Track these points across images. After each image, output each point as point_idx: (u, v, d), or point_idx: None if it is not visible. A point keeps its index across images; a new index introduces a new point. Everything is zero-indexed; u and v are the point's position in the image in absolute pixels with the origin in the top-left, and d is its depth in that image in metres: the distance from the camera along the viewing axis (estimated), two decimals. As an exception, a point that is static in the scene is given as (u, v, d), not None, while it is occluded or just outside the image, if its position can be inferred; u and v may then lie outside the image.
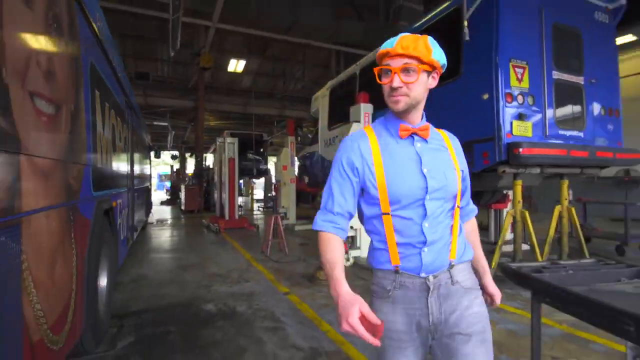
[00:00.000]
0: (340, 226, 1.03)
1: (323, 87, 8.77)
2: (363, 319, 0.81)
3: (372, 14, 11.87)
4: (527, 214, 3.90)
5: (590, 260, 1.83)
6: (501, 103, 3.49)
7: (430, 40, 0.98)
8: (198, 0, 9.91)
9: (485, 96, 3.67)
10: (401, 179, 0.99)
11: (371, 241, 1.09)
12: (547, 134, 3.70)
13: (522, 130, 3.56)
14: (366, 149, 1.03)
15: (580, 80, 3.99)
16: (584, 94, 4.00)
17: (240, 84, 17.44)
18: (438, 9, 4.53)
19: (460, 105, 4.02)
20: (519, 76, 3.55)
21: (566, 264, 1.76)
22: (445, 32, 4.23)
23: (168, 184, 27.41)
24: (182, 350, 2.54)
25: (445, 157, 1.05)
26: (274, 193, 9.15)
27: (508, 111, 3.54)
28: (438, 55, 0.97)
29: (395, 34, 1.02)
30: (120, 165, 3.85)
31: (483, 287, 1.15)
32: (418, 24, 5.01)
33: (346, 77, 7.35)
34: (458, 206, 1.07)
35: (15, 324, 1.19)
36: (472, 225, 1.22)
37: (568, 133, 3.85)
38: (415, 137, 1.03)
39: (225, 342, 2.64)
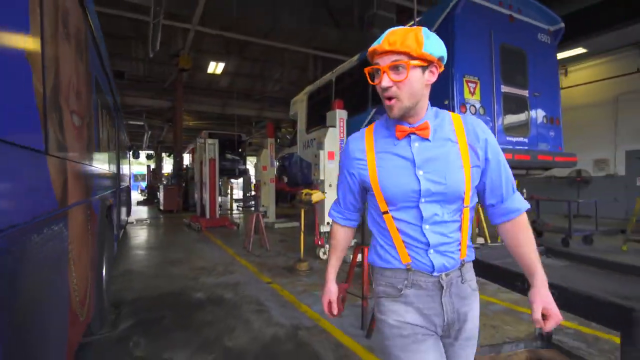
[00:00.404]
0: (347, 217, 1.18)
1: (301, 89, 9.18)
2: (330, 304, 1.22)
3: (348, 21, 12.36)
4: (480, 209, 4.46)
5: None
6: (456, 112, 4.02)
7: (423, 32, 0.90)
8: (178, 4, 10.05)
9: (446, 102, 4.19)
10: (393, 181, 0.98)
11: (375, 240, 1.08)
12: (497, 140, 4.26)
13: (474, 137, 4.12)
14: (360, 153, 1.04)
15: (525, 93, 4.60)
16: (529, 105, 4.62)
17: (218, 84, 17.54)
18: (407, 25, 5.05)
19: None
20: (472, 90, 4.10)
21: (492, 245, 2.27)
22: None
23: (143, 184, 26.92)
24: (179, 330, 2.88)
25: (450, 155, 0.96)
26: (253, 192, 9.48)
27: None
28: (432, 48, 0.90)
29: (370, 41, 1.00)
30: (112, 166, 4.12)
31: (532, 301, 0.97)
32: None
33: (323, 84, 7.79)
34: (467, 206, 0.99)
35: (65, 290, 1.54)
36: (514, 226, 1.03)
37: (515, 139, 4.46)
38: (413, 137, 0.98)
39: (216, 323, 3.00)
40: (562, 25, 4.87)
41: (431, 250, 0.97)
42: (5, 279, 0.88)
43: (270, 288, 3.96)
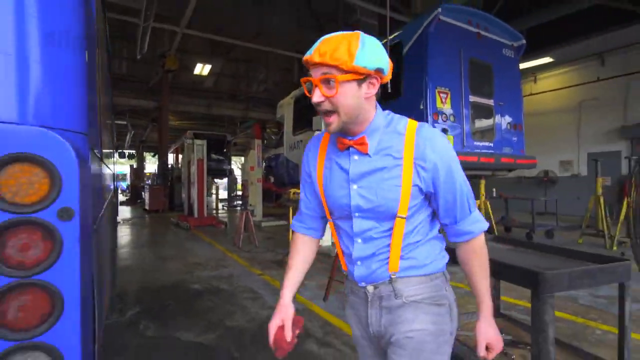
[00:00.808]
0: (308, 226, 1.09)
1: (285, 91, 9.54)
2: (280, 329, 0.97)
3: (333, 26, 12.81)
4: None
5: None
6: (429, 120, 4.51)
7: (360, 40, 0.80)
8: (167, 7, 10.21)
9: (421, 106, 4.65)
10: (332, 192, 0.97)
11: None
12: (465, 145, 4.78)
13: (445, 142, 4.65)
14: (313, 159, 1.03)
15: (491, 102, 5.14)
16: (494, 113, 5.16)
17: (202, 84, 17.66)
18: (384, 40, 5.50)
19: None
20: (443, 100, 4.59)
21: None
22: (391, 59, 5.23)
23: (123, 184, 26.49)
24: (182, 315, 3.21)
25: (387, 172, 0.89)
26: (239, 192, 9.75)
27: (435, 127, 4.60)
28: (366, 60, 0.80)
29: None
30: (113, 167, 4.40)
31: (477, 335, 0.96)
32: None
33: (309, 88, 8.16)
34: (401, 217, 0.90)
35: (111, 270, 1.88)
36: (467, 250, 0.97)
37: (481, 144, 4.98)
38: (351, 150, 0.92)
39: (216, 309, 3.35)
40: (524, 41, 5.44)
41: (358, 262, 0.96)
42: (97, 254, 1.24)
43: (262, 279, 4.32)
